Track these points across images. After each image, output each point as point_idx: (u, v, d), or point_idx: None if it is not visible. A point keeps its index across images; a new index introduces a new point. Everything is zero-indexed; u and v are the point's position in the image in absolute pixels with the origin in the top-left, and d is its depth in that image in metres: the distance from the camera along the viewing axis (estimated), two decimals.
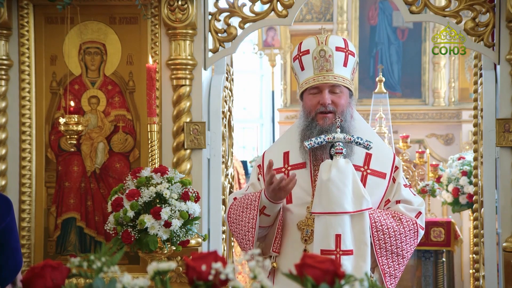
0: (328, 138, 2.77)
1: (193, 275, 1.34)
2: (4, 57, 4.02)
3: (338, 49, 2.89)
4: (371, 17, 9.37)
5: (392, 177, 2.95)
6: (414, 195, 2.98)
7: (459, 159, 6.73)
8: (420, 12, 3.96)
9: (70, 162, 4.07)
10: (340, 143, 2.77)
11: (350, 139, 2.77)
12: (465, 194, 6.41)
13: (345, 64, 2.89)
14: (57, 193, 4.08)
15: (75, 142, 3.90)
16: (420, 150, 8.08)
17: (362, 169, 2.92)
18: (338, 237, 2.73)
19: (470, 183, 6.19)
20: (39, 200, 4.08)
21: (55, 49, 4.08)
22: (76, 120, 3.82)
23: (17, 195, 4.05)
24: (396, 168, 2.97)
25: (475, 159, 4.49)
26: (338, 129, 2.79)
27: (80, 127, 3.84)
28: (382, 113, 7.48)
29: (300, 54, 2.94)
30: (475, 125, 4.44)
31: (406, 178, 7.38)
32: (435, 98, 9.25)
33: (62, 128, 3.84)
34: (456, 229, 7.04)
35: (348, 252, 2.74)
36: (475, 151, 4.48)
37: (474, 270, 4.66)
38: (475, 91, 4.46)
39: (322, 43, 2.89)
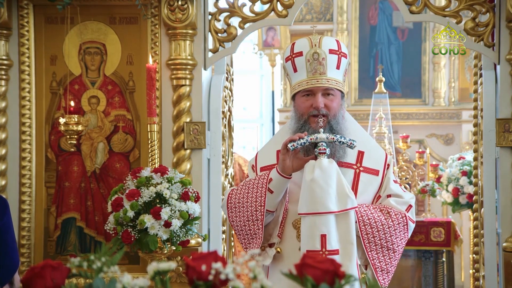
0: (311, 139, 2.77)
1: (193, 275, 1.34)
2: (4, 57, 4.02)
3: (331, 51, 2.89)
4: (371, 17, 9.36)
5: (384, 174, 2.97)
6: (404, 191, 3.00)
7: (459, 159, 6.72)
8: (420, 12, 3.96)
9: (70, 162, 4.07)
10: (324, 143, 2.77)
11: (333, 138, 2.77)
12: (465, 194, 6.40)
13: (338, 67, 2.90)
14: (57, 193, 4.08)
15: (75, 142, 3.90)
16: (420, 150, 8.07)
17: (355, 166, 2.94)
18: (323, 237, 2.73)
19: (470, 183, 6.19)
20: (39, 200, 4.08)
21: (55, 49, 4.08)
22: (76, 120, 3.82)
23: (17, 195, 4.05)
24: (388, 165, 3.00)
25: (475, 159, 4.49)
26: (321, 129, 2.80)
27: (80, 127, 3.84)
28: (382, 113, 7.48)
29: (293, 56, 2.93)
30: (475, 125, 4.44)
31: (406, 178, 7.47)
32: (435, 98, 9.25)
33: (62, 128, 3.84)
34: (456, 229, 7.03)
35: (334, 252, 2.74)
36: (475, 151, 4.48)
37: (474, 270, 4.66)
38: (475, 91, 4.46)
39: (315, 45, 2.89)
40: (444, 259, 7.13)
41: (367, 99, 8.54)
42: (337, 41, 2.97)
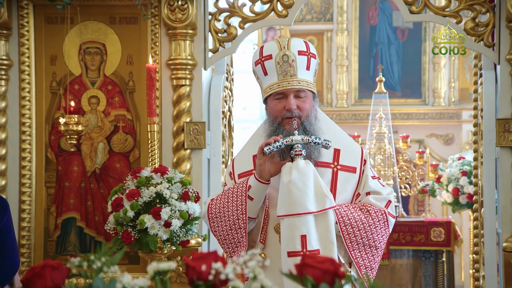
0: (286, 141, 2.78)
1: (193, 275, 1.34)
2: (4, 57, 4.02)
3: (300, 53, 2.89)
4: (371, 17, 9.37)
5: (362, 170, 2.97)
6: (383, 186, 3.00)
7: (459, 159, 6.72)
8: (420, 12, 3.96)
9: (70, 162, 4.07)
10: (299, 145, 2.78)
11: (308, 140, 2.78)
12: (465, 194, 6.40)
13: (308, 68, 2.90)
14: (57, 193, 4.08)
15: (75, 142, 3.90)
16: (420, 150, 8.07)
17: (332, 165, 2.94)
18: (303, 238, 2.74)
19: (470, 183, 6.19)
20: (39, 200, 4.08)
21: (55, 49, 4.08)
22: (76, 120, 3.82)
23: (17, 195, 4.05)
24: (365, 161, 3.00)
25: (475, 159, 4.49)
26: (296, 131, 2.80)
27: (80, 127, 3.84)
28: (382, 113, 7.48)
29: (263, 59, 2.93)
30: (475, 125, 4.45)
31: (406, 178, 7.46)
32: (435, 98, 9.25)
33: (62, 128, 3.84)
34: (456, 229, 7.03)
35: (315, 252, 2.75)
36: (475, 151, 4.48)
37: (474, 270, 4.66)
38: (475, 91, 4.47)
39: (284, 47, 2.89)
40: (444, 259, 7.13)
41: (367, 99, 8.54)
42: (305, 42, 2.96)
